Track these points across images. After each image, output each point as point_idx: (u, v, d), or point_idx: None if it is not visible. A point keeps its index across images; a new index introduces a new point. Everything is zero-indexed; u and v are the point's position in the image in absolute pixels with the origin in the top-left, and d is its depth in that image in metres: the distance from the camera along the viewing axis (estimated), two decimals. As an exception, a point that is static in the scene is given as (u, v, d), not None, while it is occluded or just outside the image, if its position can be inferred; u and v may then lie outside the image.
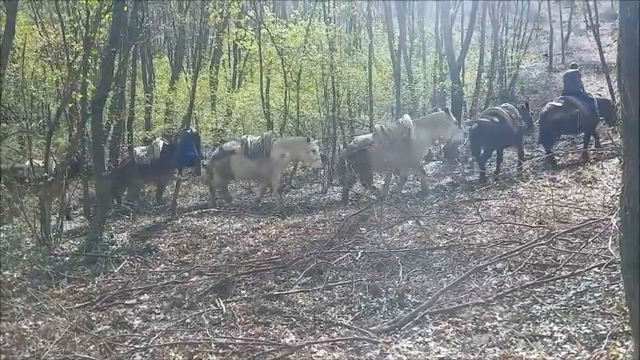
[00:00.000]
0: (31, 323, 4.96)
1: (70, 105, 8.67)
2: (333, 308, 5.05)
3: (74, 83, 8.31)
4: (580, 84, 11.17)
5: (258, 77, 14.86)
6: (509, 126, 10.25)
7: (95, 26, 8.20)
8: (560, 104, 10.91)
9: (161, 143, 11.08)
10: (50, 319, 4.97)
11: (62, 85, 9.69)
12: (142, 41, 12.00)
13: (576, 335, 3.88)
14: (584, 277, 4.88)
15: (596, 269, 4.99)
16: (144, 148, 11.44)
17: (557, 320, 4.15)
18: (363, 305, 4.98)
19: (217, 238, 8.02)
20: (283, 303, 5.25)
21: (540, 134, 11.29)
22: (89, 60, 8.48)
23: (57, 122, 9.23)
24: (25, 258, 7.05)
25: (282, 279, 6.00)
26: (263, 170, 10.43)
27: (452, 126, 10.02)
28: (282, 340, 4.39)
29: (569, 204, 7.63)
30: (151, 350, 4.32)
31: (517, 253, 5.68)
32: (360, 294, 5.20)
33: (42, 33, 11.50)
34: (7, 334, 4.73)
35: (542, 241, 5.85)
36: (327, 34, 13.91)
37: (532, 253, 5.66)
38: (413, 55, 16.62)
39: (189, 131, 10.84)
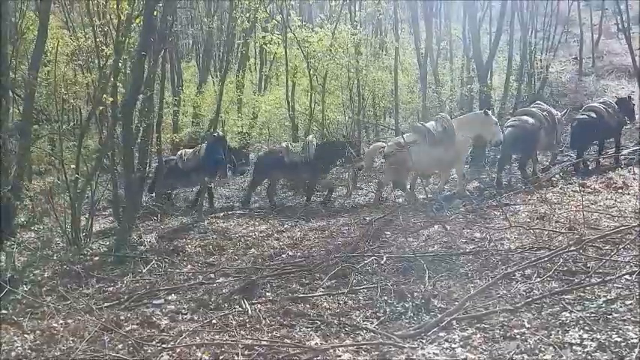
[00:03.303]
0: (61, 322, 5.05)
1: (101, 108, 8.82)
2: (358, 312, 5.03)
3: (105, 87, 8.46)
4: None
5: (284, 81, 14.94)
6: (607, 120, 10.68)
7: (126, 31, 8.35)
8: None
9: (315, 141, 10.93)
10: (80, 317, 5.06)
11: (93, 88, 9.89)
12: (171, 45, 12.14)
13: (606, 343, 3.80)
14: (615, 285, 4.77)
15: (627, 277, 4.89)
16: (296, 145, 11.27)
17: (586, 328, 4.07)
18: (388, 310, 4.95)
19: (242, 240, 8.09)
20: (308, 306, 5.25)
21: None
22: (119, 64, 8.62)
23: (88, 125, 9.40)
24: (55, 257, 7.22)
25: (307, 282, 6.00)
26: (449, 157, 9.47)
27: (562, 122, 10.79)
28: (307, 343, 4.39)
29: (600, 210, 7.48)
30: (178, 350, 4.35)
31: (546, 259, 5.59)
32: (386, 298, 5.18)
33: (73, 37, 11.75)
34: (38, 332, 4.83)
35: (572, 248, 5.74)
36: (353, 38, 13.92)
37: (561, 260, 5.55)
38: (440, 58, 16.51)
39: (215, 134, 10.95)
